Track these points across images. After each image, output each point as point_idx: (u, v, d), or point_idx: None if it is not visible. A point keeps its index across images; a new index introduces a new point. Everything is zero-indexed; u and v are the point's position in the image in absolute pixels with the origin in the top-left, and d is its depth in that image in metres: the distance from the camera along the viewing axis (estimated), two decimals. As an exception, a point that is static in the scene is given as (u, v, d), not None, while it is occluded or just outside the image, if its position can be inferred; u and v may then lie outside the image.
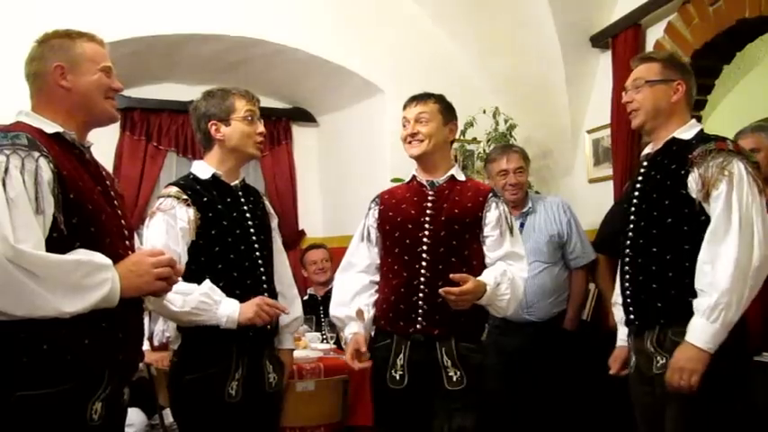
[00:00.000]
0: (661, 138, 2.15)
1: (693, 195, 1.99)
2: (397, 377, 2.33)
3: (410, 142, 2.42)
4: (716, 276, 1.90)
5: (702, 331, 1.90)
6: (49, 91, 1.71)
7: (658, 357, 2.02)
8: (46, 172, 1.55)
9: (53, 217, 1.55)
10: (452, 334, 2.30)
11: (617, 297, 2.29)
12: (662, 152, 2.13)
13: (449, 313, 2.26)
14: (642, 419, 2.17)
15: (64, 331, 1.53)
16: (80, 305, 1.51)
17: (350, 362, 2.37)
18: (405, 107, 2.46)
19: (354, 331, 2.42)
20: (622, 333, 2.30)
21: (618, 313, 2.30)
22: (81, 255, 1.56)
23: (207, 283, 2.15)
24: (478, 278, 2.28)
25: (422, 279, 2.32)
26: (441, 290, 2.20)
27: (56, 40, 1.73)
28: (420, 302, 2.31)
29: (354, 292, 2.47)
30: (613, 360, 2.32)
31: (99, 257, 1.58)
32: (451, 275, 2.23)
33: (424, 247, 2.34)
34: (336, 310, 2.50)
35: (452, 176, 2.45)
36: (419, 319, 2.31)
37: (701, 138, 2.08)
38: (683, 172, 2.02)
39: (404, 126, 2.45)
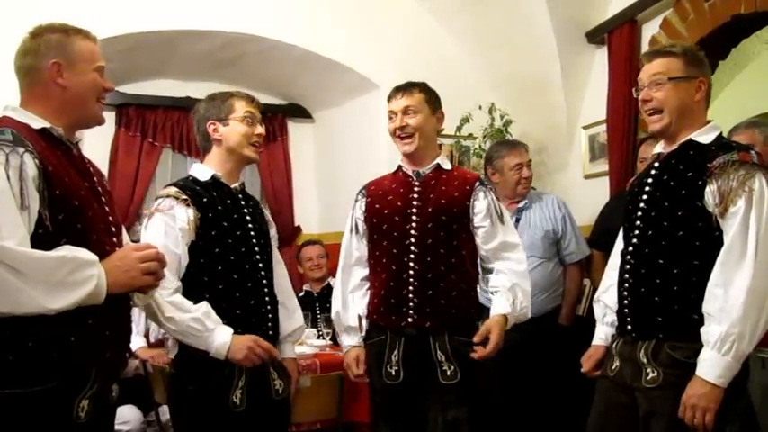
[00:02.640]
0: (678, 140, 1.97)
1: (710, 209, 1.83)
2: (393, 372, 2.33)
3: (400, 137, 2.39)
4: (727, 303, 1.76)
5: (714, 365, 1.76)
6: (44, 87, 1.69)
7: (649, 369, 1.90)
8: (31, 168, 1.53)
9: (38, 213, 1.54)
10: (445, 327, 2.30)
11: (600, 294, 2.21)
12: (677, 155, 1.96)
13: (440, 305, 2.28)
14: (602, 420, 2.06)
15: (50, 328, 1.52)
16: (65, 302, 1.50)
17: (352, 377, 2.45)
18: (389, 99, 2.43)
19: (353, 344, 2.45)
20: (600, 332, 2.20)
21: (598, 311, 2.22)
22: (66, 251, 1.54)
23: (204, 306, 2.09)
24: (496, 310, 2.29)
25: (411, 272, 2.32)
26: (475, 356, 2.22)
27: (53, 36, 1.71)
28: (410, 295, 2.31)
29: (349, 290, 2.50)
30: (587, 358, 2.20)
31: (85, 253, 1.56)
32: (474, 339, 2.24)
33: (412, 240, 2.34)
34: (335, 310, 2.53)
35: (438, 166, 2.44)
36: (410, 312, 2.32)
37: (722, 144, 1.91)
38: (699, 182, 1.85)
39: (390, 119, 2.42)
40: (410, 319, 2.32)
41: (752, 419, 2.57)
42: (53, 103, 1.69)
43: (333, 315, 2.55)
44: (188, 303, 2.09)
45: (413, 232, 2.34)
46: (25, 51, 1.72)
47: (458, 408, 2.29)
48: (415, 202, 2.38)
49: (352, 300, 2.48)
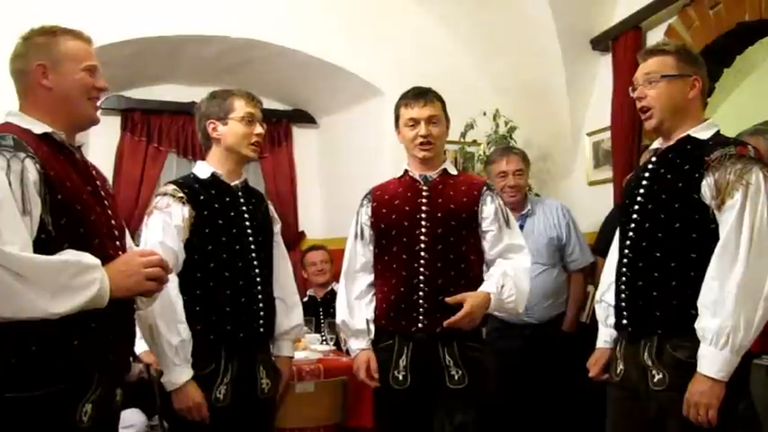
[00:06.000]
0: (675, 136, 1.97)
1: (707, 202, 1.84)
2: (400, 377, 2.33)
3: (421, 143, 2.38)
4: (722, 296, 1.76)
5: (712, 360, 1.76)
6: (32, 90, 1.69)
7: (655, 372, 1.89)
8: (32, 173, 1.53)
9: (40, 218, 1.54)
10: (454, 332, 2.29)
11: (602, 294, 2.19)
12: (674, 149, 1.96)
13: (450, 310, 2.27)
14: (619, 430, 2.06)
15: (53, 332, 1.52)
16: (68, 306, 1.50)
17: (368, 381, 2.38)
18: (407, 105, 2.41)
19: (362, 347, 2.41)
20: (604, 334, 2.19)
21: (601, 312, 2.20)
22: (69, 255, 1.54)
23: (185, 334, 2.13)
24: (480, 288, 2.31)
25: (421, 278, 2.32)
26: (444, 323, 2.24)
27: (40, 38, 1.70)
28: (421, 301, 2.31)
29: (355, 296, 2.47)
30: (594, 362, 2.19)
31: (87, 258, 1.56)
32: (447, 299, 2.26)
33: (422, 245, 2.33)
34: (341, 318, 2.47)
35: (445, 170, 2.45)
36: (420, 317, 2.31)
37: (720, 140, 1.91)
38: (696, 175, 1.85)
39: (409, 125, 2.40)
40: (420, 325, 2.31)
41: (756, 426, 2.56)
42: (43, 106, 1.68)
43: (339, 322, 2.50)
44: (178, 318, 2.12)
45: (423, 238, 2.34)
46: (16, 55, 1.72)
47: (465, 412, 2.29)
48: (424, 207, 2.37)
49: (358, 306, 2.45)
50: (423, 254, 2.33)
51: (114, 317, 1.66)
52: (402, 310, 2.34)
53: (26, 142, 1.57)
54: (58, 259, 1.52)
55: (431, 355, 2.31)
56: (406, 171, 2.48)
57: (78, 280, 1.52)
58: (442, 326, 2.27)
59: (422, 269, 2.32)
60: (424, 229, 2.35)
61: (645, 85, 2.00)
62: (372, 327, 2.43)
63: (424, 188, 2.41)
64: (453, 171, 2.47)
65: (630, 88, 2.07)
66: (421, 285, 2.32)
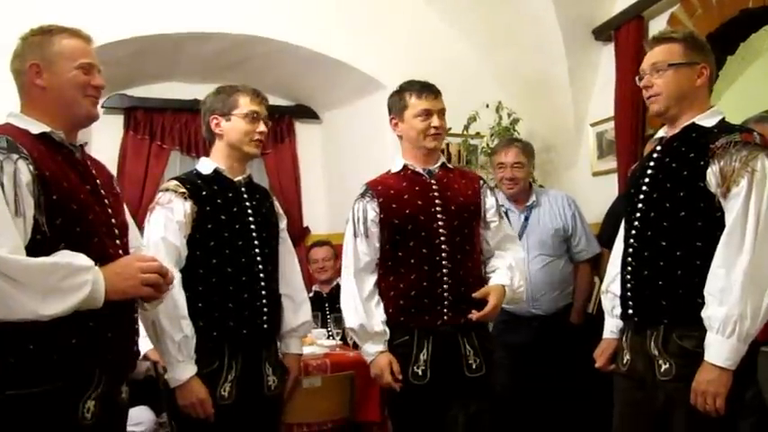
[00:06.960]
0: (680, 124, 1.97)
1: (712, 190, 1.83)
2: (420, 373, 2.32)
3: (433, 135, 2.39)
4: (728, 284, 1.76)
5: (720, 348, 1.76)
6: (28, 90, 1.69)
7: (661, 361, 1.88)
8: (25, 174, 1.53)
9: (35, 219, 1.53)
10: (472, 322, 2.32)
11: (608, 285, 2.19)
12: (679, 137, 1.95)
13: (471, 301, 2.32)
14: (626, 420, 2.06)
15: (50, 331, 1.53)
16: (59, 308, 1.49)
17: (394, 385, 2.32)
18: (420, 95, 2.39)
19: (380, 350, 2.36)
20: (610, 324, 2.18)
21: (607, 303, 2.20)
22: (60, 257, 1.54)
23: (188, 329, 2.12)
24: (492, 283, 2.39)
25: (444, 270, 2.32)
26: (472, 317, 2.30)
27: (35, 38, 1.71)
28: (445, 294, 2.32)
29: (365, 297, 2.40)
30: (600, 353, 2.18)
31: (79, 259, 1.55)
32: (474, 294, 2.32)
33: (442, 238, 2.34)
34: (357, 322, 2.37)
35: (444, 164, 2.47)
36: (445, 310, 2.32)
37: (725, 127, 1.90)
38: (702, 163, 1.84)
39: (421, 116, 2.38)
40: (445, 318, 2.32)
41: (763, 414, 2.56)
42: (40, 105, 1.69)
43: (354, 327, 2.38)
44: (181, 314, 2.11)
45: (442, 231, 2.34)
46: (15, 55, 1.72)
47: (480, 400, 2.32)
48: (437, 201, 2.38)
49: (372, 308, 2.39)
50: (444, 246, 2.33)
51: (113, 316, 1.65)
52: (425, 304, 2.32)
53: (21, 143, 1.56)
54: (48, 261, 1.51)
55: (452, 347, 2.32)
56: (406, 165, 2.45)
57: (69, 282, 1.51)
58: (467, 318, 2.31)
59: (444, 262, 2.33)
60: (441, 222, 2.35)
61: (652, 73, 1.98)
62: (386, 328, 2.38)
63: (433, 182, 2.41)
64: (449, 164, 2.52)
65: (637, 77, 2.06)
66: (445, 278, 2.32)
